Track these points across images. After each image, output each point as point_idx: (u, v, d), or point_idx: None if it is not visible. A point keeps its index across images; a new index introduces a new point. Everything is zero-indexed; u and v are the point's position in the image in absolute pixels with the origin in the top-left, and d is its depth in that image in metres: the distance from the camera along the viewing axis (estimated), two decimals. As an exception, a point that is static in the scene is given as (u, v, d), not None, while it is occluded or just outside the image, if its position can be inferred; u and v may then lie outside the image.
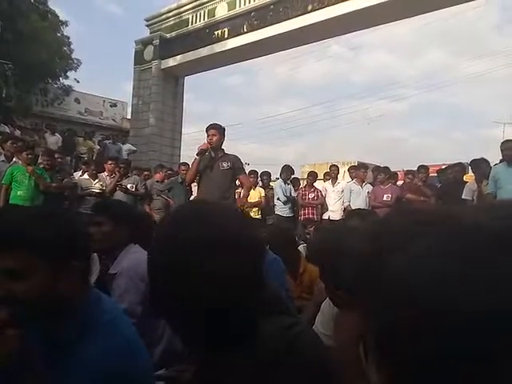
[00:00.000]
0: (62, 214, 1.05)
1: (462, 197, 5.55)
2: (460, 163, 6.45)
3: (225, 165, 4.01)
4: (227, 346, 0.65)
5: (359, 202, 6.37)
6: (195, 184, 6.43)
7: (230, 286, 0.62)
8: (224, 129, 4.13)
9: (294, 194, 7.05)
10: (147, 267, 0.68)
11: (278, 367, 0.64)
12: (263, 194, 7.05)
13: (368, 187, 6.59)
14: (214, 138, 3.99)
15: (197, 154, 4.09)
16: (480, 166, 5.79)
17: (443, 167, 7.14)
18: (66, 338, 0.94)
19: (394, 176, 7.03)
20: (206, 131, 4.06)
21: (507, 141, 5.33)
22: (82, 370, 0.88)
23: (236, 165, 4.10)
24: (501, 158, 5.41)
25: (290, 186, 7.14)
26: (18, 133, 8.77)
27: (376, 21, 9.19)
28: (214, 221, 0.66)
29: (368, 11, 8.37)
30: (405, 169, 9.25)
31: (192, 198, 6.27)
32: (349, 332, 1.12)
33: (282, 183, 7.09)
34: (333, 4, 8.85)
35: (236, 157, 4.19)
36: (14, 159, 5.77)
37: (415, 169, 6.56)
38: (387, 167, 6.82)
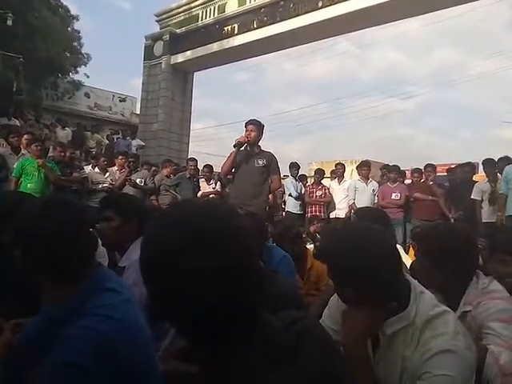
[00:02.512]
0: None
1: (472, 196, 5.51)
2: (470, 163, 6.39)
3: (260, 162, 3.94)
4: (226, 341, 0.65)
5: (364, 199, 6.35)
6: (203, 180, 6.49)
7: (219, 282, 0.61)
8: (263, 126, 4.05)
9: (303, 191, 7.06)
10: (139, 267, 0.68)
11: (282, 363, 0.64)
12: (271, 191, 7.04)
13: (373, 185, 6.55)
14: (253, 134, 3.92)
15: (234, 146, 4.00)
16: (494, 166, 5.70)
17: (453, 166, 7.08)
18: (59, 316, 1.02)
19: (402, 175, 6.99)
20: (245, 126, 3.99)
21: None
22: (69, 345, 0.92)
23: (272, 163, 4.01)
24: None
25: (300, 183, 7.14)
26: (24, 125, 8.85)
27: (386, 18, 9.12)
28: (199, 218, 0.66)
29: (378, 8, 8.30)
30: (413, 167, 9.19)
31: (200, 193, 6.30)
32: (356, 328, 1.13)
33: (293, 180, 7.09)
34: (343, 1, 8.79)
35: (272, 155, 4.09)
36: (23, 151, 5.83)
37: (422, 167, 6.52)
38: (397, 166, 6.77)
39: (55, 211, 1.06)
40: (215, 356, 0.66)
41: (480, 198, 5.49)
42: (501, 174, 5.44)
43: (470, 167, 6.20)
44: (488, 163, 5.80)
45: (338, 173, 7.07)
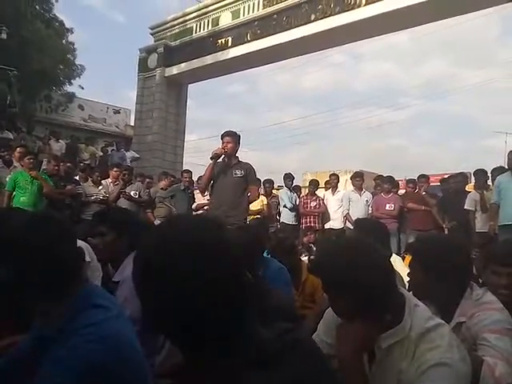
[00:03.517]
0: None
1: (465, 207, 5.56)
2: (462, 173, 6.47)
3: (238, 172, 3.98)
4: (214, 350, 0.66)
5: (358, 210, 6.38)
6: (197, 191, 6.49)
7: (207, 293, 0.63)
8: (239, 136, 4.11)
9: (297, 202, 7.07)
10: (132, 276, 0.70)
11: (266, 368, 0.65)
12: (265, 202, 7.05)
13: (367, 195, 6.59)
14: (229, 145, 3.97)
15: (211, 158, 4.06)
16: (480, 176, 5.81)
17: (445, 177, 7.14)
18: (48, 334, 1.02)
19: (396, 185, 7.03)
20: (221, 138, 4.04)
21: None
22: (56, 367, 0.92)
23: (250, 173, 4.05)
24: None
25: (295, 194, 7.16)
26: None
27: (378, 31, 9.25)
28: (189, 233, 0.68)
29: (371, 21, 8.43)
30: (406, 177, 9.26)
31: (194, 205, 6.29)
32: (351, 342, 1.13)
33: (288, 191, 7.11)
34: (336, 14, 8.92)
35: (250, 165, 4.14)
36: (15, 164, 5.80)
37: (416, 178, 6.58)
38: (391, 177, 6.82)
39: (42, 226, 1.06)
40: (202, 363, 0.67)
41: (473, 208, 5.54)
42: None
43: (463, 177, 6.27)
44: (478, 173, 5.88)
45: (333, 183, 7.10)
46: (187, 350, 0.67)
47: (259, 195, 7.06)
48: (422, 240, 1.85)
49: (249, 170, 4.06)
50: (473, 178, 6.33)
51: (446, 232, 5.61)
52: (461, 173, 6.47)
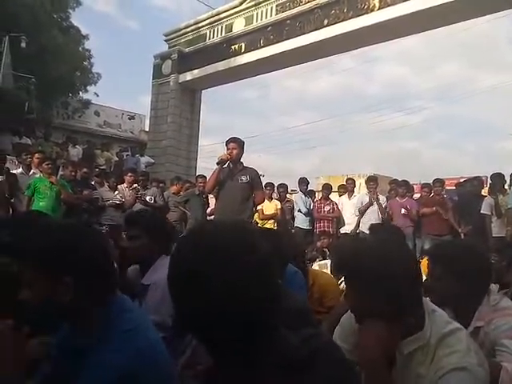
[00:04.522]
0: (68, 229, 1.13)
1: (482, 211, 5.49)
2: (478, 177, 6.40)
3: (243, 178, 4.05)
4: (246, 356, 0.68)
5: (371, 214, 6.34)
6: (212, 196, 6.54)
7: (240, 296, 0.66)
8: (244, 142, 4.20)
9: (311, 207, 7.06)
10: (167, 279, 0.73)
11: (294, 376, 0.67)
12: (279, 207, 7.06)
13: (381, 199, 6.55)
14: (234, 152, 4.05)
15: (217, 163, 4.13)
16: (497, 180, 5.75)
17: (461, 181, 7.07)
18: (84, 345, 1.03)
19: (411, 189, 6.99)
20: (226, 144, 4.12)
21: None
22: (94, 374, 0.95)
23: (255, 179, 4.14)
24: None
25: (310, 199, 7.16)
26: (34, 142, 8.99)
27: (391, 35, 9.22)
28: (227, 235, 0.71)
29: (384, 25, 8.42)
30: (421, 181, 9.17)
31: (209, 209, 6.35)
32: (373, 343, 1.13)
33: (303, 195, 7.11)
34: (349, 18, 8.93)
35: (255, 171, 4.24)
36: (33, 170, 5.93)
37: (431, 182, 6.52)
38: (406, 181, 6.77)
39: (87, 239, 1.10)
40: (234, 366, 0.69)
41: (490, 213, 5.48)
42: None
43: (479, 181, 6.20)
44: (495, 177, 5.82)
45: (349, 188, 7.08)
46: (217, 351, 0.70)
47: (271, 199, 7.10)
48: (446, 245, 1.85)
49: (254, 175, 4.14)
50: (489, 181, 6.28)
51: (462, 237, 5.55)
52: (476, 177, 6.39)
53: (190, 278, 0.68)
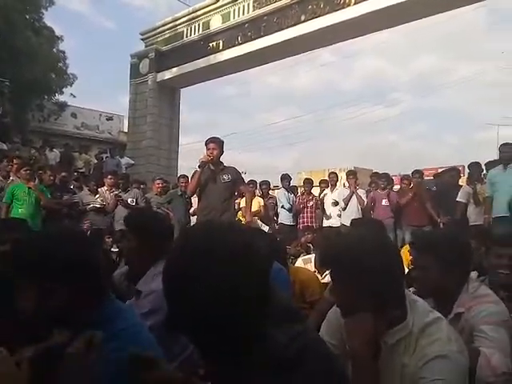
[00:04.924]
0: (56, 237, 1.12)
1: (457, 199, 5.63)
2: (455, 167, 6.56)
3: (225, 177, 4.09)
4: (236, 356, 0.69)
5: (352, 207, 6.44)
6: (195, 196, 6.52)
7: (235, 297, 0.66)
8: (223, 142, 4.22)
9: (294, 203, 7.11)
10: (162, 280, 0.73)
11: (286, 377, 0.68)
12: (262, 204, 7.08)
13: (360, 192, 6.65)
14: (215, 152, 4.07)
15: (198, 166, 4.15)
16: (474, 169, 5.91)
17: (439, 171, 7.22)
18: None
19: (391, 181, 7.10)
20: (206, 145, 4.14)
21: (505, 144, 5.44)
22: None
23: (236, 177, 4.18)
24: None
25: (292, 195, 7.20)
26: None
27: (368, 29, 9.31)
28: (220, 236, 0.72)
29: (360, 20, 8.49)
30: (401, 173, 9.34)
31: (192, 209, 6.32)
32: (362, 335, 1.16)
33: (285, 192, 7.15)
34: (326, 14, 8.98)
35: (235, 169, 4.30)
36: (12, 178, 5.81)
37: (410, 173, 6.64)
38: (387, 173, 6.90)
39: (67, 244, 1.09)
40: (225, 367, 0.70)
41: (465, 201, 5.62)
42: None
43: (456, 171, 6.35)
44: (473, 166, 5.98)
45: (332, 182, 7.16)
46: (206, 352, 0.70)
47: (254, 196, 7.12)
48: (428, 235, 1.90)
49: (235, 173, 4.20)
50: (467, 170, 6.43)
51: (442, 226, 5.68)
52: (454, 167, 6.55)
53: (178, 281, 0.69)
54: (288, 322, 0.84)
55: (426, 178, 7.06)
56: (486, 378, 1.31)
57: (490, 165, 5.72)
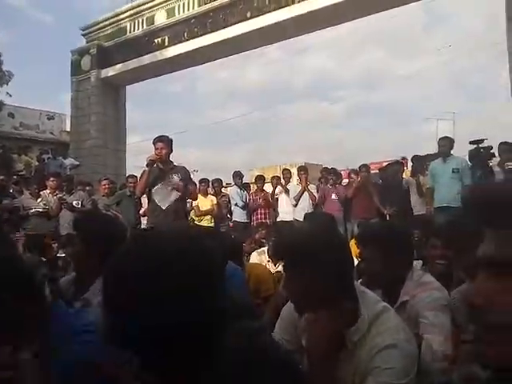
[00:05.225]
0: None
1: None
2: (398, 161, 6.88)
3: (175, 177, 4.00)
4: (192, 364, 0.66)
5: (304, 203, 6.56)
6: (144, 196, 6.35)
7: (180, 304, 0.63)
8: (172, 140, 4.13)
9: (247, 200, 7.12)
10: (101, 295, 0.69)
11: (246, 379, 0.67)
12: (215, 202, 7.04)
13: (311, 187, 6.80)
14: (163, 151, 3.97)
15: (146, 165, 4.04)
16: (417, 162, 6.26)
17: (384, 165, 7.53)
18: None
19: (339, 176, 7.32)
20: (154, 144, 4.03)
21: (444, 137, 5.78)
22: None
23: (185, 176, 4.11)
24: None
25: (245, 192, 7.20)
26: None
27: (313, 27, 9.49)
28: (153, 244, 0.69)
29: (304, 18, 8.65)
30: (349, 167, 9.65)
31: (142, 210, 6.15)
32: (320, 334, 1.17)
33: (238, 189, 7.13)
34: (271, 11, 9.06)
35: (184, 168, 4.23)
36: None
37: (357, 168, 6.88)
38: (335, 169, 7.10)
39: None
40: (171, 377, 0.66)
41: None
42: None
43: (399, 165, 6.66)
44: (416, 159, 6.30)
45: (285, 178, 7.23)
46: (158, 364, 0.66)
47: (206, 195, 7.07)
48: (372, 228, 1.97)
49: (184, 173, 4.13)
50: (410, 163, 6.77)
51: (388, 218, 5.94)
52: (397, 161, 6.86)
53: (113, 291, 0.65)
54: (242, 320, 0.83)
55: (372, 171, 7.33)
56: (429, 363, 1.38)
57: (430, 157, 6.05)
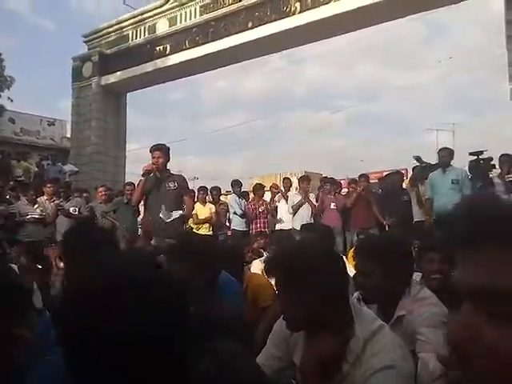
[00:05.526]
0: None
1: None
2: (398, 171, 6.85)
3: (171, 185, 3.98)
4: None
5: (303, 211, 6.52)
6: (142, 204, 6.31)
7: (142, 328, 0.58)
8: (169, 149, 4.11)
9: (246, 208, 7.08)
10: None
11: None
12: (214, 210, 7.00)
13: (310, 196, 6.75)
14: (160, 160, 3.95)
15: (142, 175, 4.04)
16: (417, 172, 6.23)
17: (384, 174, 7.51)
18: None
19: (339, 185, 7.29)
20: (151, 152, 4.01)
21: (443, 148, 5.75)
22: None
23: (182, 185, 4.08)
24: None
25: (244, 200, 7.17)
26: None
27: (313, 37, 9.52)
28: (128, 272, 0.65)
29: (305, 28, 8.69)
30: (348, 177, 9.63)
31: (140, 218, 6.11)
32: (315, 352, 1.13)
33: (236, 197, 7.09)
34: (272, 21, 9.10)
35: (182, 176, 4.22)
36: None
37: (357, 177, 6.86)
38: (333, 178, 7.08)
39: None
40: None
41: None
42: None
43: (399, 175, 6.63)
44: (417, 170, 6.29)
45: (285, 187, 7.21)
46: None
47: (204, 203, 7.03)
48: (372, 240, 1.92)
49: (181, 181, 4.10)
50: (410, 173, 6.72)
51: (387, 228, 5.89)
52: (397, 170, 6.83)
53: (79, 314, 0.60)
54: (225, 339, 0.79)
55: (371, 181, 7.31)
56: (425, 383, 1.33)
57: (430, 168, 6.01)
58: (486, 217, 0.43)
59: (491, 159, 5.58)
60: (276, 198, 7.24)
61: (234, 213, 6.98)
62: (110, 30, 11.88)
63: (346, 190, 7.30)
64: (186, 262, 1.70)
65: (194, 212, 6.59)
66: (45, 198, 5.95)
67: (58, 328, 0.63)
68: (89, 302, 0.60)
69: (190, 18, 10.46)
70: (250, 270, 3.73)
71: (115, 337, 0.57)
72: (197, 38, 10.27)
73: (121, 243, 4.55)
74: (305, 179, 6.94)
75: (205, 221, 6.83)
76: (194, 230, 6.54)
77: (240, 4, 9.53)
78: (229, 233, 7.11)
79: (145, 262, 0.68)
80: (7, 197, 5.95)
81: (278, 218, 6.92)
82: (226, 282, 2.43)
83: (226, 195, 8.92)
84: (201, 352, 0.69)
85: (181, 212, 3.94)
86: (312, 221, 6.25)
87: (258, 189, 7.26)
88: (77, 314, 0.60)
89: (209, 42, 10.01)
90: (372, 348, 1.16)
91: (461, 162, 6.17)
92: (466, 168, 5.70)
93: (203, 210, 6.88)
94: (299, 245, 1.33)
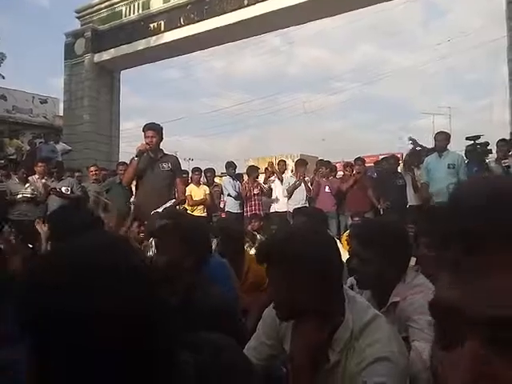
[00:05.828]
0: None
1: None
2: (394, 155, 6.81)
3: (165, 166, 3.92)
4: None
5: (298, 196, 6.48)
6: (134, 184, 6.24)
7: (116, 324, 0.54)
8: (162, 128, 4.03)
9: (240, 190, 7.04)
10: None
11: None
12: (208, 192, 6.95)
13: (306, 180, 6.71)
14: (154, 140, 3.87)
15: (136, 156, 3.96)
16: (412, 156, 6.20)
17: (380, 158, 7.47)
18: None
19: (334, 169, 7.24)
20: (144, 131, 3.93)
21: (440, 132, 5.69)
22: None
23: (175, 166, 4.02)
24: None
25: (238, 182, 7.12)
26: None
27: (310, 16, 9.32)
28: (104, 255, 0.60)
29: (303, 6, 8.47)
30: (344, 160, 9.59)
31: (132, 198, 6.05)
32: (304, 343, 1.10)
33: (231, 179, 7.04)
34: (268, -1, 8.88)
35: (175, 157, 4.16)
36: None
37: (353, 161, 6.81)
38: (329, 161, 7.03)
39: None
40: None
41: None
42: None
43: (395, 159, 6.59)
44: (412, 154, 6.22)
45: (281, 169, 7.16)
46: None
47: (199, 184, 6.98)
48: (369, 226, 1.88)
49: (175, 162, 4.04)
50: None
51: (382, 212, 5.88)
52: (393, 155, 6.79)
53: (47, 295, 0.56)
54: (211, 329, 0.75)
55: (367, 165, 7.27)
56: (418, 372, 1.31)
57: (425, 152, 5.98)
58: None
59: (487, 144, 5.54)
60: (272, 178, 7.20)
61: (228, 195, 6.95)
62: (103, 5, 11.54)
63: (342, 173, 7.26)
64: (173, 243, 1.66)
65: (188, 193, 6.55)
66: (36, 176, 5.87)
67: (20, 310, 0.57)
68: (51, 282, 0.55)
69: (185, -6, 10.18)
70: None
71: (74, 316, 0.53)
72: (192, 16, 10.01)
73: (113, 223, 4.50)
74: (302, 164, 6.85)
75: (200, 202, 6.79)
76: (189, 212, 6.52)
77: (236, -20, 9.27)
78: (223, 215, 7.08)
79: (111, 244, 0.63)
80: (-3, 175, 5.87)
81: (274, 197, 6.89)
82: (215, 265, 2.40)
83: (221, 177, 8.86)
84: (180, 345, 0.64)
85: (173, 200, 3.89)
86: (307, 204, 6.22)
87: (253, 171, 7.20)
88: (38, 294, 0.55)
89: (203, 20, 9.77)
90: (366, 338, 1.13)
91: (457, 146, 6.16)
92: (463, 152, 5.67)
93: (197, 192, 6.84)
94: (291, 230, 1.29)
